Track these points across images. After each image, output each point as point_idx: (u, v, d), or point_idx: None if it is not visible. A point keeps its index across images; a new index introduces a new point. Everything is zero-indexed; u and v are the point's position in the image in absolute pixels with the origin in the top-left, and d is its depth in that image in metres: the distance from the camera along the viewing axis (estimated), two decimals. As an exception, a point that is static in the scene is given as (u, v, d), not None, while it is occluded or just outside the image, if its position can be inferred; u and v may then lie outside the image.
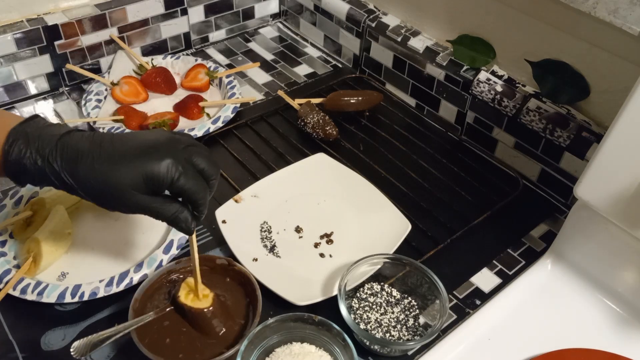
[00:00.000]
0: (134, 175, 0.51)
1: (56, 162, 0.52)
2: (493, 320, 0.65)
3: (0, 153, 0.52)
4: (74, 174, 0.52)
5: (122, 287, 0.65)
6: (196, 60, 1.02)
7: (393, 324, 0.63)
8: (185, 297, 0.60)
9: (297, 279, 0.68)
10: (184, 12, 1.05)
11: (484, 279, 0.71)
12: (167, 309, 0.60)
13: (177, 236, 0.70)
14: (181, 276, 0.64)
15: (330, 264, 0.70)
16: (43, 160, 0.52)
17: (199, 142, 0.56)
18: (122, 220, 0.74)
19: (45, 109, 0.94)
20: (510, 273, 0.72)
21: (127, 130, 0.86)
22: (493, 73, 0.85)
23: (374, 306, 0.65)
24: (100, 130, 0.86)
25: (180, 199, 0.55)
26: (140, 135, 0.55)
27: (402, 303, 0.65)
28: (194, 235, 0.58)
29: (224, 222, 0.72)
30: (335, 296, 0.61)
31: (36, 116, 0.55)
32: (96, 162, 0.52)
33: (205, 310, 0.59)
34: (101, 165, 0.51)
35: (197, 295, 0.60)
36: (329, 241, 0.73)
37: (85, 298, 0.64)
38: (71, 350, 0.54)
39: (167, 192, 0.54)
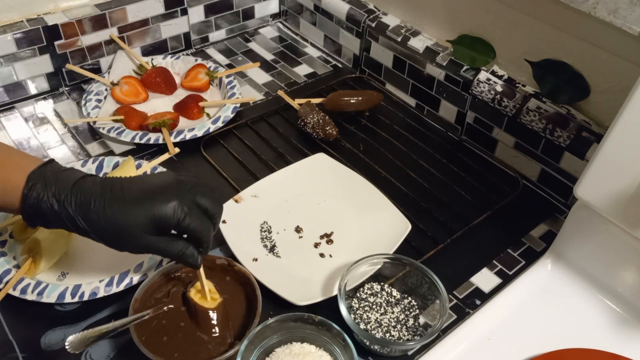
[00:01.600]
0: (143, 217, 0.54)
1: (71, 206, 0.54)
2: (493, 320, 0.65)
3: (19, 195, 0.54)
4: (87, 218, 0.54)
5: (122, 287, 0.65)
6: (196, 60, 1.02)
7: (393, 324, 0.63)
8: (194, 294, 0.61)
9: (297, 279, 0.68)
10: (184, 12, 1.05)
11: (484, 279, 0.71)
12: (165, 308, 0.60)
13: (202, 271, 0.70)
14: (182, 275, 0.64)
15: (330, 264, 0.70)
16: (59, 204, 0.54)
17: (204, 182, 0.59)
18: (122, 220, 0.74)
19: (45, 109, 0.94)
20: (510, 273, 0.72)
21: (127, 130, 0.86)
22: (493, 73, 0.85)
23: (374, 306, 0.65)
24: (101, 130, 0.86)
25: (185, 236, 0.58)
26: (148, 179, 0.58)
27: (402, 303, 0.65)
28: (201, 269, 0.59)
29: (224, 222, 0.72)
30: (335, 296, 0.61)
31: (52, 160, 0.58)
32: (107, 206, 0.54)
33: (210, 311, 0.59)
34: (112, 208, 0.54)
35: (205, 297, 0.60)
36: (329, 241, 0.73)
37: (85, 298, 0.64)
38: (66, 344, 0.53)
39: (173, 232, 0.57)
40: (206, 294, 0.60)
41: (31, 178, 0.55)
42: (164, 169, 0.80)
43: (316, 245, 0.73)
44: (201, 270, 0.60)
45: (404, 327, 0.63)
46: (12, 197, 0.55)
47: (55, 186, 0.55)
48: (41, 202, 0.54)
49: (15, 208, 0.55)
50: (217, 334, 0.59)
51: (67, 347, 0.53)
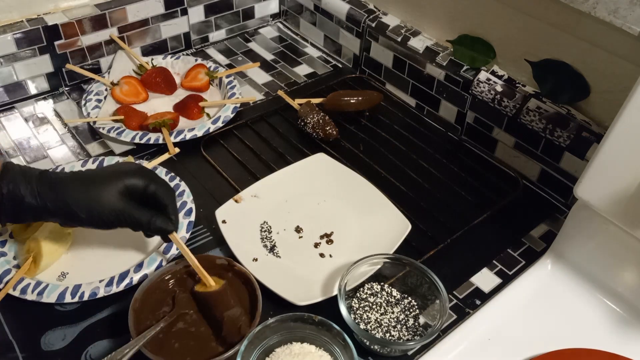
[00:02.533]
0: (115, 186, 0.60)
1: (47, 183, 0.58)
2: (493, 320, 0.65)
3: None
4: (62, 191, 0.58)
5: (122, 287, 0.65)
6: (196, 60, 1.02)
7: (393, 324, 0.63)
8: (199, 287, 0.62)
9: (297, 279, 0.68)
10: (184, 12, 1.05)
11: (484, 279, 0.71)
12: (175, 315, 0.60)
13: (177, 236, 0.70)
14: (184, 275, 0.64)
15: (330, 264, 0.70)
16: (36, 181, 0.58)
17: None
18: (122, 220, 0.74)
19: (45, 109, 0.94)
20: (510, 273, 0.72)
21: (127, 130, 0.86)
22: (493, 73, 0.85)
23: (374, 306, 0.65)
24: (101, 130, 0.86)
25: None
26: (112, 164, 0.66)
27: (402, 303, 0.65)
28: (177, 237, 0.63)
29: (224, 222, 0.72)
30: (335, 296, 0.61)
31: (9, 163, 0.60)
32: (81, 179, 0.60)
33: (216, 290, 0.60)
34: (85, 181, 0.60)
35: (207, 284, 0.62)
36: (329, 241, 0.73)
37: (85, 298, 0.64)
38: None
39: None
40: (207, 278, 0.61)
41: (6, 166, 0.58)
42: (164, 169, 0.80)
43: (316, 245, 0.73)
44: (194, 259, 0.62)
45: (404, 327, 0.63)
46: None
47: (28, 172, 0.59)
48: (17, 184, 0.57)
49: None
50: (235, 302, 0.60)
51: None
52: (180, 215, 0.73)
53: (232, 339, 0.58)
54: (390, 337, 0.62)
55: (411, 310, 0.65)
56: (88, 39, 0.96)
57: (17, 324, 0.63)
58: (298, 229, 0.75)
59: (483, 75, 0.85)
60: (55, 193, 0.58)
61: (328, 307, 0.63)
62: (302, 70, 1.07)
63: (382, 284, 0.67)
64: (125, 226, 0.62)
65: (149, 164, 0.80)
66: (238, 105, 0.94)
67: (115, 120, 0.88)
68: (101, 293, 0.64)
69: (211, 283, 0.61)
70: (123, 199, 0.60)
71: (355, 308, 0.64)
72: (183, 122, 0.92)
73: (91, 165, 0.79)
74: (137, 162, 0.69)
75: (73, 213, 0.59)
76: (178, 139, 0.86)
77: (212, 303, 0.60)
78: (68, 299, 0.63)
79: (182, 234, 0.71)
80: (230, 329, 0.58)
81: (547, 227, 0.78)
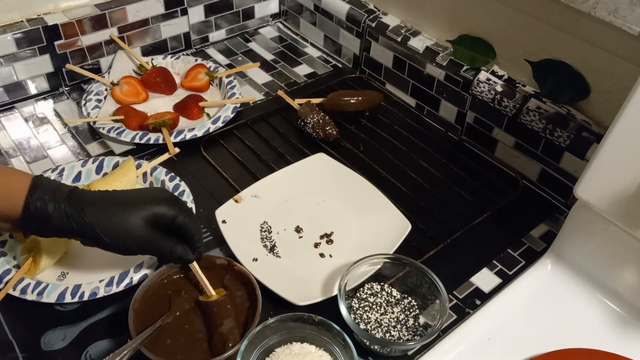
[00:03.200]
0: (142, 212, 0.59)
1: (74, 203, 0.57)
2: (493, 320, 0.65)
3: (23, 198, 0.56)
4: (89, 213, 0.58)
5: (122, 287, 0.65)
6: (196, 60, 1.02)
7: (393, 324, 0.63)
8: (203, 297, 0.62)
9: (297, 279, 0.68)
10: (184, 12, 1.05)
11: (484, 279, 0.71)
12: (172, 316, 0.60)
13: (197, 266, 0.70)
14: (182, 275, 0.64)
15: (330, 264, 0.70)
16: (63, 202, 0.57)
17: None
18: (122, 220, 0.74)
19: (45, 109, 0.94)
20: (510, 273, 0.72)
21: (127, 130, 0.86)
22: (493, 73, 0.85)
23: (374, 306, 0.65)
24: (101, 130, 0.86)
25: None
26: (141, 190, 0.64)
27: (402, 303, 0.65)
28: (197, 267, 0.62)
29: (224, 222, 0.72)
30: (335, 296, 0.61)
31: (38, 177, 0.59)
32: (109, 202, 0.59)
33: (215, 300, 0.61)
34: (113, 206, 0.59)
35: (209, 294, 0.62)
36: (329, 241, 0.73)
37: (85, 298, 0.64)
38: None
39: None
40: (209, 289, 0.61)
41: (35, 182, 0.58)
42: (164, 169, 0.80)
43: (316, 245, 0.73)
44: (197, 267, 0.62)
45: (404, 327, 0.63)
46: (14, 200, 0.56)
47: (58, 189, 0.58)
48: (45, 202, 0.56)
49: (13, 213, 0.57)
50: (227, 315, 0.60)
51: None
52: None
53: (218, 350, 0.58)
54: (390, 337, 0.62)
55: (411, 310, 0.65)
56: (88, 39, 0.96)
57: (17, 324, 0.63)
58: (298, 229, 0.75)
59: (483, 75, 0.85)
60: (83, 215, 0.57)
61: (328, 307, 0.63)
62: (302, 70, 1.07)
63: (382, 284, 0.67)
64: (147, 254, 0.62)
65: (149, 164, 0.80)
66: (238, 105, 0.94)
67: (115, 120, 0.88)
68: (101, 293, 0.64)
69: (212, 293, 0.61)
70: (149, 227, 0.59)
71: (355, 308, 0.64)
72: (183, 122, 0.92)
73: (91, 166, 0.79)
74: (168, 190, 0.68)
75: (97, 237, 0.58)
76: (178, 139, 0.86)
77: (211, 311, 0.60)
78: (68, 299, 0.63)
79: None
80: (218, 341, 0.58)
81: (547, 227, 0.78)
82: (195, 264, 0.62)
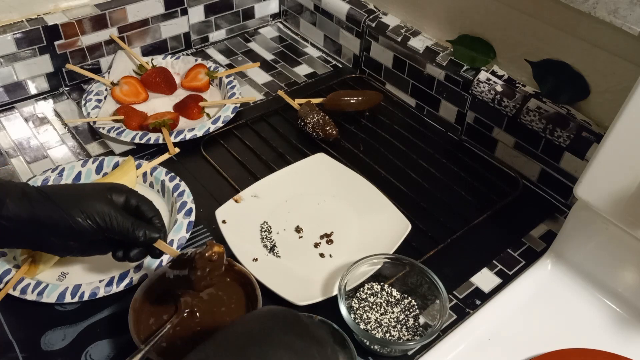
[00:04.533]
0: (103, 192, 0.60)
1: (32, 187, 0.58)
2: (493, 320, 0.65)
3: None
4: (50, 189, 0.58)
5: (122, 287, 0.65)
6: (196, 60, 1.02)
7: (393, 324, 0.63)
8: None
9: (297, 279, 0.68)
10: (184, 12, 1.05)
11: (484, 279, 0.71)
12: (178, 318, 0.60)
13: (177, 236, 0.70)
14: (180, 277, 0.64)
15: (330, 264, 0.70)
16: (20, 187, 0.57)
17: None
18: (122, 220, 0.74)
19: (45, 109, 0.94)
20: (510, 273, 0.72)
21: (127, 130, 0.86)
22: (493, 73, 0.85)
23: (374, 306, 0.65)
24: (101, 130, 0.86)
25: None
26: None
27: (402, 303, 0.65)
28: (164, 243, 0.61)
29: (224, 222, 0.72)
30: (335, 296, 0.61)
31: None
32: (67, 185, 0.62)
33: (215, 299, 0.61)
34: (73, 189, 0.60)
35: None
36: (329, 241, 0.73)
37: (85, 298, 0.64)
38: None
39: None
40: (177, 253, 0.61)
41: None
42: (164, 169, 0.80)
43: (316, 245, 0.73)
44: (164, 244, 0.61)
45: (404, 327, 0.63)
46: None
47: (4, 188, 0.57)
48: (2, 184, 0.57)
49: None
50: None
51: None
52: (180, 215, 0.73)
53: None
54: (390, 337, 0.62)
55: (411, 310, 0.65)
56: (88, 39, 0.96)
57: (17, 324, 0.63)
58: (298, 229, 0.75)
59: (483, 75, 0.85)
60: (40, 190, 0.57)
61: (328, 307, 0.63)
62: (302, 70, 1.07)
63: (382, 284, 0.67)
64: (110, 233, 0.59)
65: (149, 164, 0.80)
66: (238, 105, 0.94)
67: (115, 120, 0.88)
68: (101, 293, 0.64)
69: (187, 253, 0.59)
70: (110, 203, 0.59)
71: (355, 308, 0.64)
72: (183, 122, 0.92)
73: (91, 165, 0.79)
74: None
75: (56, 217, 0.56)
76: (178, 139, 0.86)
77: (210, 312, 0.60)
78: (68, 299, 0.63)
79: (182, 233, 0.71)
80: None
81: (547, 227, 0.78)
82: (160, 241, 0.61)
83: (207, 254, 0.56)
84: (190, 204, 0.75)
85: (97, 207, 0.58)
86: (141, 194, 0.63)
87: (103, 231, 0.58)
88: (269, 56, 1.10)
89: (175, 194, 0.76)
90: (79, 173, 0.79)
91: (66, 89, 0.98)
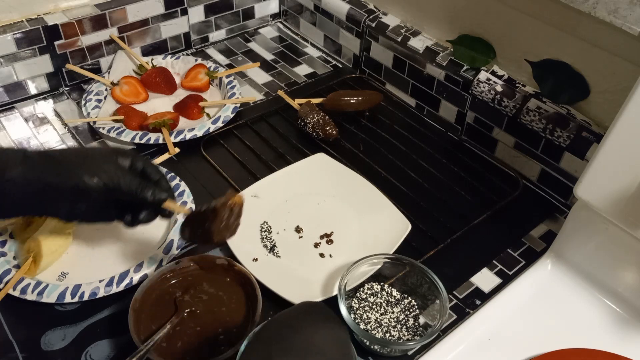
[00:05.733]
0: (107, 151, 0.61)
1: (36, 156, 0.56)
2: (493, 320, 0.65)
3: None
4: (59, 151, 0.58)
5: (122, 287, 0.65)
6: (196, 60, 1.02)
7: (393, 324, 0.63)
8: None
9: (297, 279, 0.68)
10: (184, 12, 1.05)
11: (484, 279, 0.71)
12: (177, 319, 0.60)
13: (177, 236, 0.70)
14: (184, 275, 0.64)
15: (330, 264, 0.70)
16: (23, 151, 0.56)
17: None
18: (122, 220, 0.74)
19: (45, 109, 0.94)
20: (510, 273, 0.72)
21: (127, 130, 0.86)
22: (493, 73, 0.85)
23: (374, 306, 0.65)
24: (101, 130, 0.86)
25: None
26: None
27: (402, 303, 0.65)
28: (174, 203, 0.61)
29: (224, 222, 0.72)
30: (335, 296, 0.61)
31: None
32: (71, 150, 0.62)
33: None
34: (78, 150, 0.62)
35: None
36: (329, 241, 0.73)
37: (85, 298, 0.64)
38: None
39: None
40: (186, 209, 0.61)
41: None
42: (164, 169, 0.79)
43: (316, 245, 0.73)
44: (172, 204, 0.61)
45: (404, 327, 0.63)
46: None
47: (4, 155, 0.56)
48: (3, 151, 0.56)
49: None
50: (230, 324, 0.60)
51: None
52: (180, 215, 0.73)
53: (218, 350, 0.57)
54: (390, 337, 0.62)
55: (411, 310, 0.65)
56: (88, 39, 0.96)
57: (17, 324, 0.63)
58: (298, 229, 0.75)
59: (483, 75, 0.85)
60: (46, 151, 0.57)
61: (328, 307, 0.63)
62: (302, 70, 1.07)
63: (382, 284, 0.67)
64: (118, 194, 0.58)
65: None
66: (238, 105, 0.94)
67: (115, 120, 0.88)
68: (101, 293, 0.64)
69: (200, 209, 0.59)
70: (117, 164, 0.59)
71: (355, 308, 0.64)
72: (183, 122, 0.92)
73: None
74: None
75: (66, 175, 0.55)
76: (178, 139, 0.86)
77: (210, 312, 0.60)
78: (68, 299, 0.63)
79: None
80: (218, 341, 0.58)
81: (547, 227, 0.78)
82: (170, 200, 0.60)
83: (229, 202, 0.56)
84: (190, 204, 0.75)
85: (104, 167, 0.57)
86: (146, 158, 0.63)
87: (111, 191, 0.57)
88: (269, 56, 1.10)
89: (175, 194, 0.76)
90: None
91: (66, 89, 0.98)
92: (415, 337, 0.62)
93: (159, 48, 1.06)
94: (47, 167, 0.55)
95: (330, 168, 0.81)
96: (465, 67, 0.87)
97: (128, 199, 0.59)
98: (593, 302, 0.67)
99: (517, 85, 0.82)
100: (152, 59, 1.01)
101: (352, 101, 0.93)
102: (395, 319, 0.64)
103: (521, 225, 0.78)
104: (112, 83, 0.95)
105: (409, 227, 0.72)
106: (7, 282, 0.64)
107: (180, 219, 0.72)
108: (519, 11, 0.79)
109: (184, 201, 0.75)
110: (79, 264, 0.69)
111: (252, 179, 0.81)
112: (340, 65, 1.09)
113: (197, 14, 1.07)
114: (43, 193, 0.55)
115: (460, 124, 0.92)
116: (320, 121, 0.88)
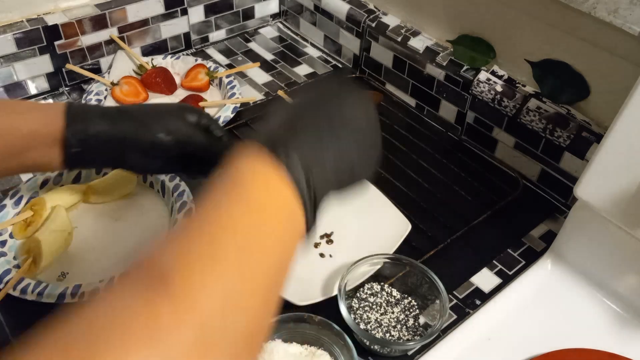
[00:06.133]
0: (177, 107, 0.64)
1: (114, 112, 0.60)
2: (493, 320, 0.65)
3: (62, 121, 0.56)
4: (132, 111, 0.61)
5: (122, 287, 0.65)
6: (196, 60, 1.02)
7: (393, 324, 0.63)
8: None
9: (297, 279, 0.68)
10: (184, 12, 1.05)
11: (484, 279, 0.71)
12: None
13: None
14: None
15: (330, 264, 0.70)
16: (103, 114, 0.59)
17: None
18: (122, 221, 0.74)
19: (45, 109, 0.94)
20: (510, 273, 0.72)
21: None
22: (493, 73, 0.85)
23: (374, 306, 0.65)
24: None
25: None
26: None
27: (402, 303, 0.65)
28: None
29: (224, 222, 0.72)
30: (335, 296, 0.61)
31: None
32: (145, 106, 0.64)
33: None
34: (150, 106, 0.63)
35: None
36: (329, 241, 0.73)
37: (85, 298, 0.64)
38: None
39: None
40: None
41: (68, 110, 0.58)
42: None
43: (316, 245, 0.73)
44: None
45: (404, 327, 0.63)
46: (54, 122, 0.56)
47: (86, 112, 0.59)
48: (84, 103, 0.60)
49: (54, 128, 0.56)
50: None
51: None
52: (180, 215, 0.73)
53: None
54: (390, 337, 0.62)
55: (411, 310, 0.65)
56: (88, 39, 0.96)
57: (17, 324, 0.63)
58: (298, 229, 0.74)
59: (483, 75, 0.85)
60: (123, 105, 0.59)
61: (328, 307, 0.63)
62: (302, 70, 1.07)
63: (382, 284, 0.67)
64: (191, 147, 0.61)
65: (149, 164, 0.80)
66: (238, 105, 0.94)
67: (115, 120, 0.88)
68: (101, 293, 0.64)
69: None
70: (186, 121, 0.62)
71: (355, 308, 0.64)
72: (183, 122, 0.92)
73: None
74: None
75: (142, 135, 0.59)
76: (178, 139, 0.86)
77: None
78: (68, 299, 0.63)
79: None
80: None
81: (547, 227, 0.78)
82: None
83: None
84: (190, 204, 0.75)
85: (177, 124, 0.61)
86: (209, 115, 0.65)
87: (184, 145, 0.60)
88: (269, 56, 1.10)
89: (175, 194, 0.76)
90: (79, 173, 0.78)
91: (66, 89, 0.98)
92: (415, 337, 0.62)
93: (159, 48, 1.06)
94: (125, 124, 0.59)
95: (330, 168, 0.81)
96: (465, 67, 0.87)
97: (200, 154, 0.62)
98: (593, 302, 0.67)
99: (517, 85, 0.82)
100: (152, 59, 1.01)
101: (352, 101, 0.93)
102: (395, 319, 0.64)
103: (521, 225, 0.78)
104: (112, 83, 0.95)
105: (409, 227, 0.72)
106: (7, 282, 0.64)
107: (180, 218, 0.72)
108: (519, 11, 0.79)
109: (184, 201, 0.75)
110: (79, 264, 0.69)
111: (252, 179, 0.81)
112: (340, 65, 1.09)
113: (197, 14, 1.07)
114: (122, 147, 0.59)
115: (460, 124, 0.92)
116: (320, 121, 0.88)
